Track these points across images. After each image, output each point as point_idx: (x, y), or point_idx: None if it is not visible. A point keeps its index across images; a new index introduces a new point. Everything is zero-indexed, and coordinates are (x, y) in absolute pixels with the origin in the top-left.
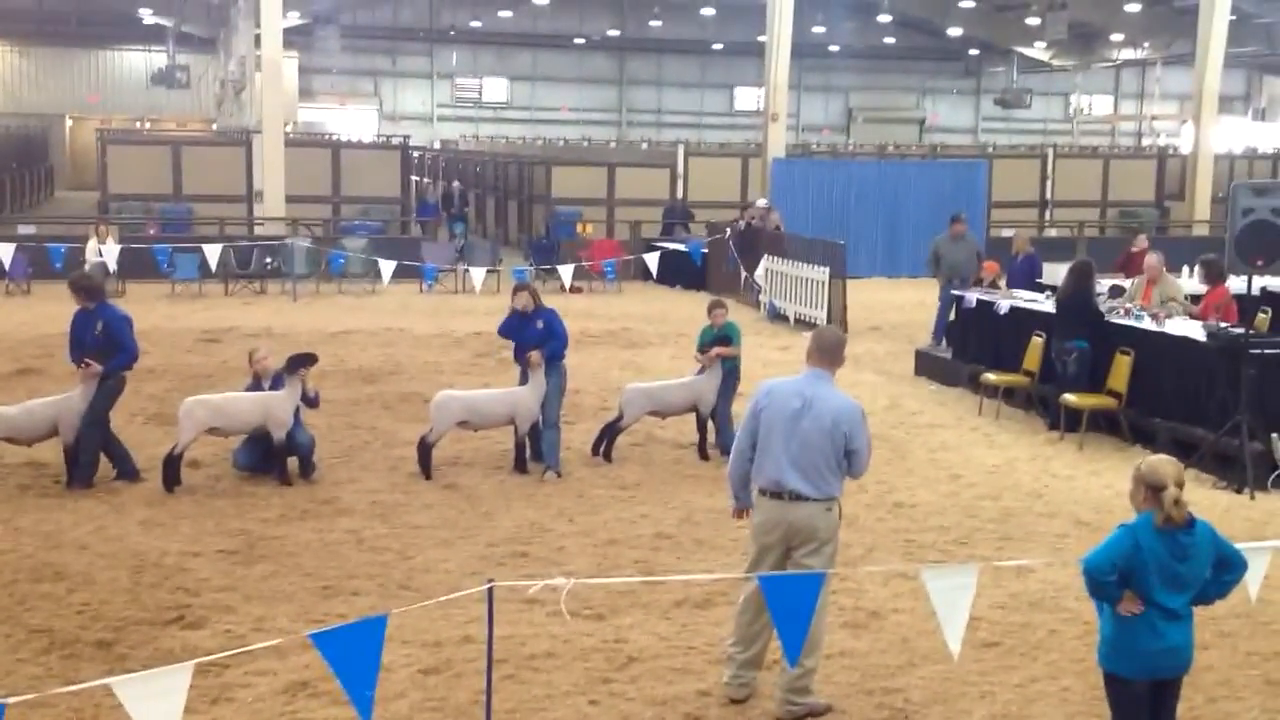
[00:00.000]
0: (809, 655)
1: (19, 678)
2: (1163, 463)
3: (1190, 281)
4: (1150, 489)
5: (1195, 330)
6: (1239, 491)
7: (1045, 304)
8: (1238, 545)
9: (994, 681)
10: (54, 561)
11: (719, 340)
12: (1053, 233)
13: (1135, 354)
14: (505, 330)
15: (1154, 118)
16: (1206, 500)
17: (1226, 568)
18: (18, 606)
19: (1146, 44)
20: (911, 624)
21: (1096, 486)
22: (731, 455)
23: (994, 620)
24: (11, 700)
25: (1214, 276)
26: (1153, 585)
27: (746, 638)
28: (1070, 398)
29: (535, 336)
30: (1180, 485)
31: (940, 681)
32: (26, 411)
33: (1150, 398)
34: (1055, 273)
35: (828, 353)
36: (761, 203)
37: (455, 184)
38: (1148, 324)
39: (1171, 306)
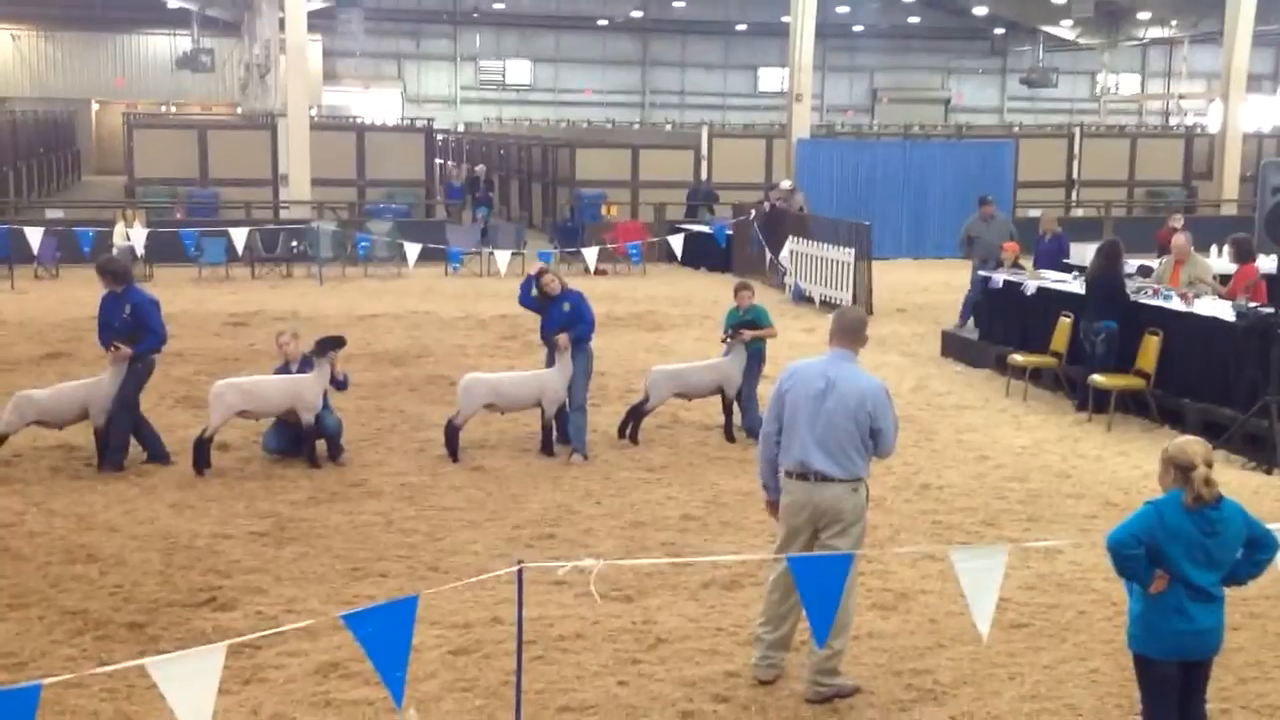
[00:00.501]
0: (837, 636)
1: (54, 659)
2: (1191, 443)
3: (1219, 261)
4: (1179, 469)
5: (1224, 310)
6: (1269, 472)
7: (1073, 284)
8: (1269, 526)
9: (1023, 663)
10: (86, 544)
11: (745, 323)
12: (1079, 213)
13: (1164, 334)
14: (525, 301)
15: (1181, 96)
16: (1235, 481)
17: (1259, 547)
18: (51, 588)
19: (1174, 22)
20: (940, 605)
21: (1125, 467)
22: (760, 440)
23: (1022, 601)
24: (47, 681)
25: (1243, 256)
26: (1180, 561)
27: (775, 618)
28: (1098, 378)
29: (562, 319)
30: (1209, 465)
31: (969, 663)
32: (57, 395)
33: (1179, 378)
34: (1083, 253)
35: (850, 333)
36: (786, 184)
37: (480, 168)
38: (1176, 304)
39: (1200, 287)
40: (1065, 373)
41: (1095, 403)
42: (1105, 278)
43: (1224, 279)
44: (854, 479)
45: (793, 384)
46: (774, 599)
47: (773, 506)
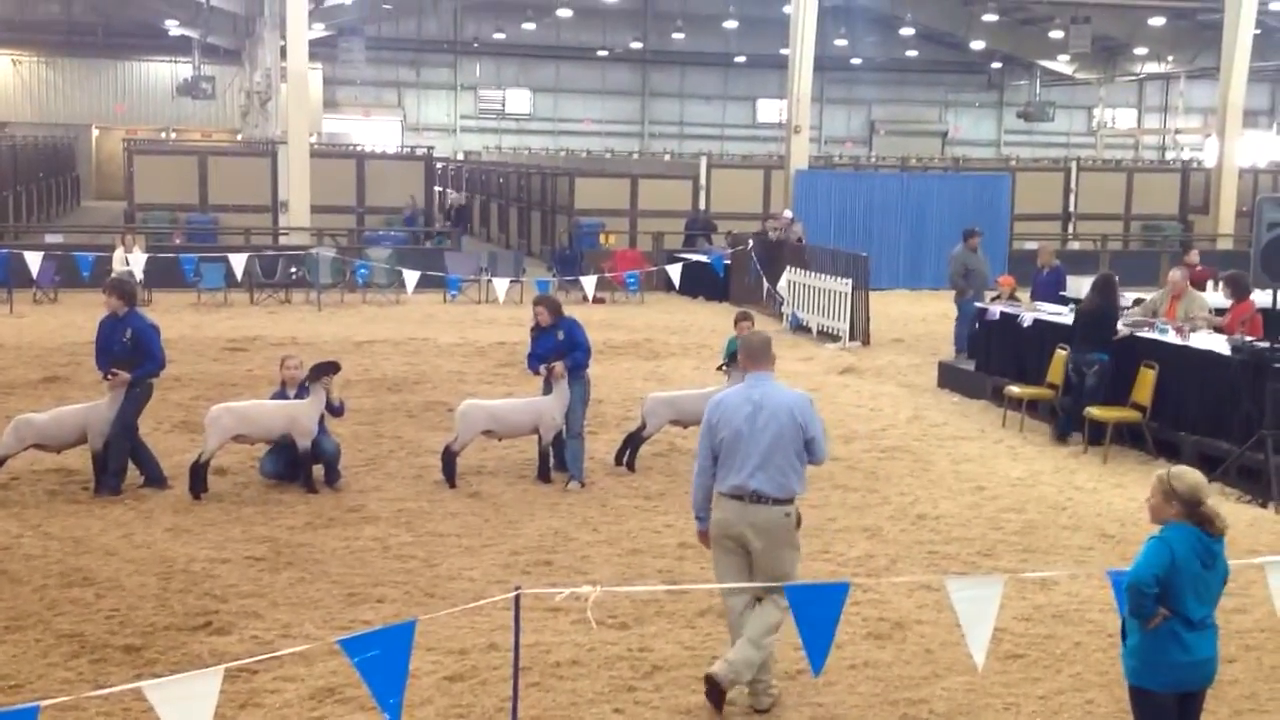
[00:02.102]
0: (765, 636)
1: (49, 681)
2: (1191, 474)
3: (1215, 296)
4: (1187, 504)
5: (1220, 344)
6: (1264, 506)
7: (1068, 317)
8: (1262, 559)
9: (1018, 694)
10: (83, 567)
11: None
12: (1076, 246)
13: (1160, 367)
14: (533, 365)
15: (1178, 131)
16: (1231, 514)
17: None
18: (48, 611)
19: (1170, 57)
20: (935, 635)
21: (1121, 499)
22: (695, 474)
23: (1018, 632)
24: (44, 703)
25: (1239, 292)
26: (1184, 594)
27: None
28: (1094, 410)
29: (555, 347)
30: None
31: (964, 693)
32: (55, 419)
33: (1175, 411)
34: (1079, 286)
35: (760, 354)
36: (787, 214)
37: (452, 194)
38: (1172, 337)
39: (1196, 321)
40: (1058, 403)
41: (1091, 435)
42: (1099, 311)
43: (1219, 313)
44: (788, 499)
45: (721, 414)
46: (734, 623)
47: (704, 536)
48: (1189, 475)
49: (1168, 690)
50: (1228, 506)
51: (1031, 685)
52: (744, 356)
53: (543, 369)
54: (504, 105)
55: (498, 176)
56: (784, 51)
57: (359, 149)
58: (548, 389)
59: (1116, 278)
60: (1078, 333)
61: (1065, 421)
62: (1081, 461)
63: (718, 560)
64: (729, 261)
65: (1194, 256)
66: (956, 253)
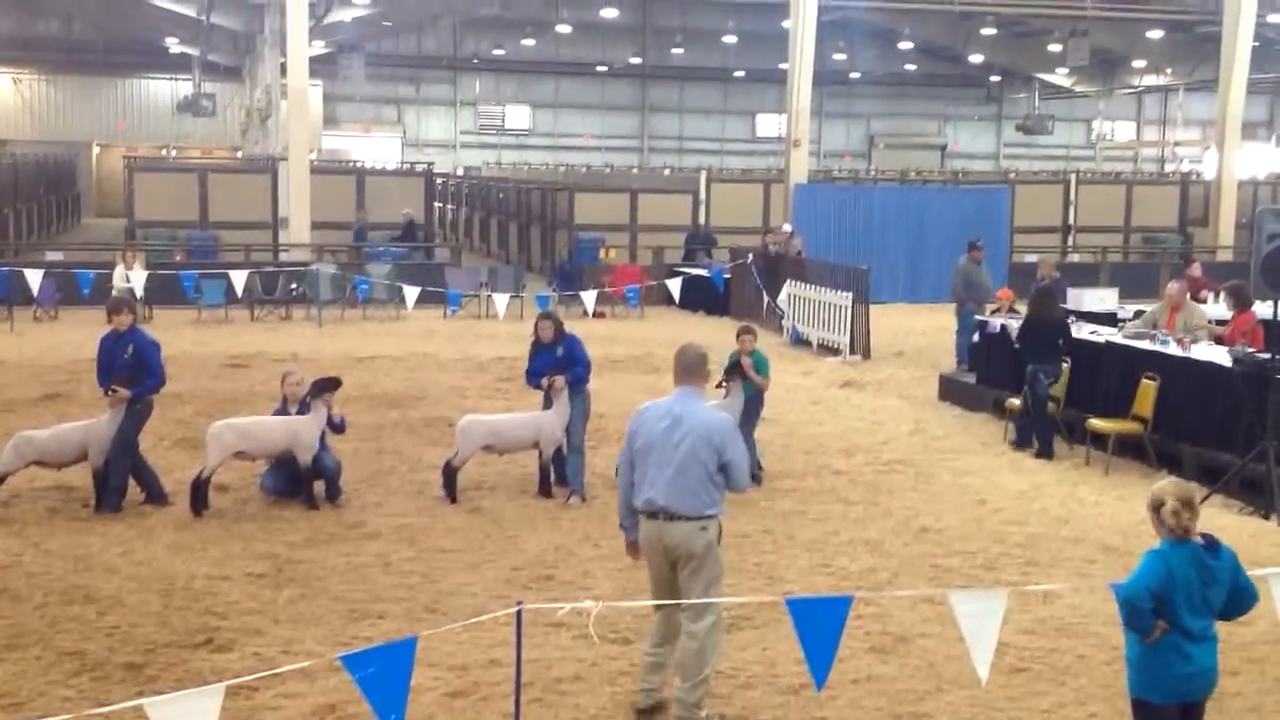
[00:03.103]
0: (699, 673)
1: (51, 699)
2: (1165, 484)
3: (1216, 307)
4: (1152, 510)
5: (1221, 355)
6: (1266, 517)
7: (1071, 329)
8: (1265, 571)
9: (1022, 707)
10: (84, 584)
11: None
12: (1076, 258)
13: (1161, 379)
14: (532, 380)
15: (1177, 144)
16: (1233, 526)
17: (1241, 596)
18: (49, 629)
19: (1169, 70)
20: (938, 649)
21: (1123, 512)
22: (619, 486)
23: (1021, 646)
24: None
25: (1241, 303)
26: (1180, 609)
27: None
28: (1097, 422)
29: (554, 364)
30: (1182, 500)
31: (968, 707)
32: (56, 435)
33: (1176, 423)
34: (1079, 298)
35: (692, 370)
36: (786, 228)
37: (407, 211)
38: (1174, 349)
39: (1197, 333)
40: (1063, 416)
41: (1093, 447)
42: (1056, 322)
43: (1219, 324)
44: (702, 517)
45: (640, 422)
46: (655, 634)
47: (632, 546)
48: (1158, 486)
49: (1170, 702)
50: (1229, 518)
51: (1035, 699)
52: (677, 369)
53: (543, 383)
54: (504, 121)
55: (497, 192)
56: (783, 66)
57: (359, 165)
58: (548, 404)
59: (1054, 288)
60: (1037, 346)
61: (1023, 433)
62: (1083, 474)
63: (653, 584)
64: (729, 275)
65: (1196, 269)
66: (960, 264)
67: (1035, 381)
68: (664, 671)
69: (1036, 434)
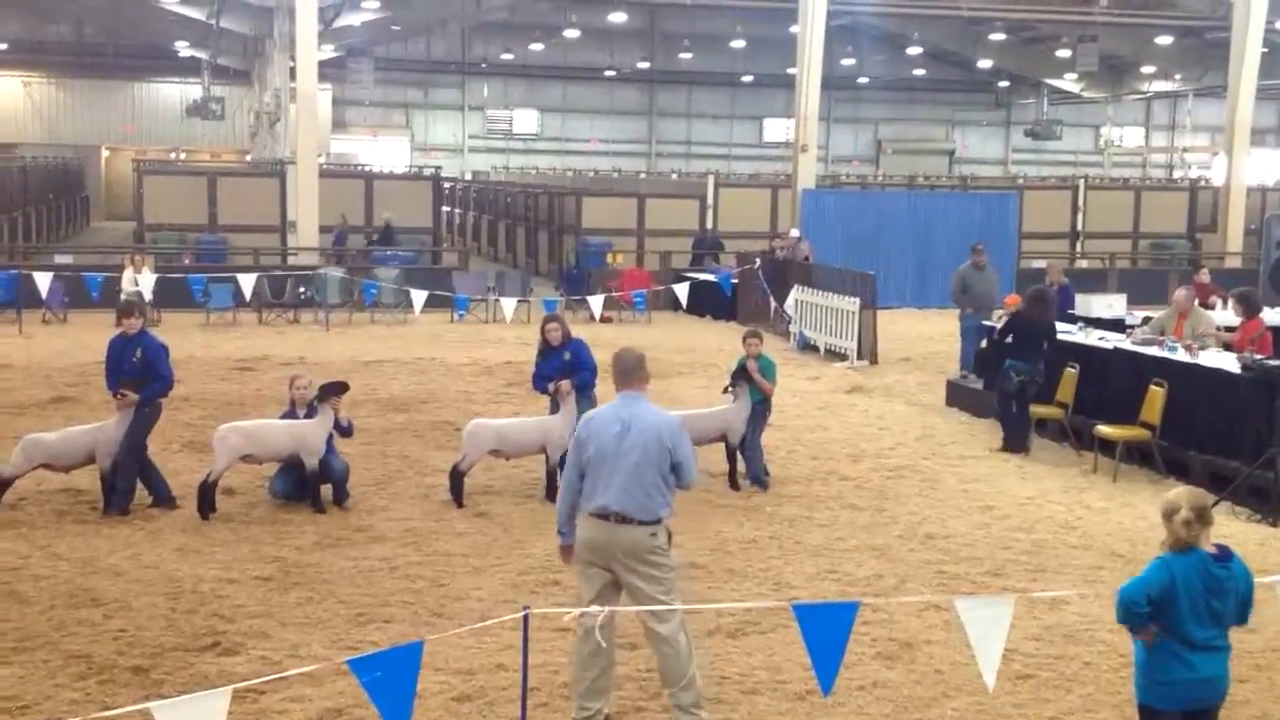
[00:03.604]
0: (688, 689)
1: (57, 702)
2: (1179, 492)
3: (1224, 314)
4: (1164, 516)
5: (1229, 362)
6: (1274, 525)
7: (1079, 335)
8: (1272, 579)
9: (1029, 714)
10: (91, 587)
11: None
12: (1084, 264)
13: (1169, 386)
14: (539, 385)
15: (1185, 150)
16: (1241, 533)
17: (1245, 609)
18: (55, 632)
19: (1178, 76)
20: (945, 655)
21: (1130, 518)
22: (560, 490)
23: (1028, 652)
24: None
25: (1250, 309)
26: (1184, 618)
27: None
28: (1104, 429)
29: (561, 368)
30: (1195, 510)
31: (974, 713)
32: (64, 438)
33: (1184, 430)
34: (1088, 304)
35: (631, 373)
36: (794, 233)
37: (386, 215)
38: (1182, 355)
39: (1205, 340)
40: (1071, 423)
41: (1101, 453)
42: (1042, 323)
43: (1228, 330)
44: (654, 521)
45: (590, 431)
46: (584, 652)
47: (566, 552)
48: (1172, 493)
49: (1172, 708)
50: (1237, 525)
51: (1042, 706)
52: (616, 374)
53: (550, 387)
54: (511, 125)
55: (505, 196)
56: (791, 71)
57: (367, 169)
58: (555, 408)
59: (1047, 291)
60: (1018, 344)
61: (1012, 425)
62: (1091, 481)
63: (581, 578)
64: (736, 280)
65: (1204, 275)
66: (959, 270)
67: (1005, 378)
68: (603, 694)
69: (1004, 429)
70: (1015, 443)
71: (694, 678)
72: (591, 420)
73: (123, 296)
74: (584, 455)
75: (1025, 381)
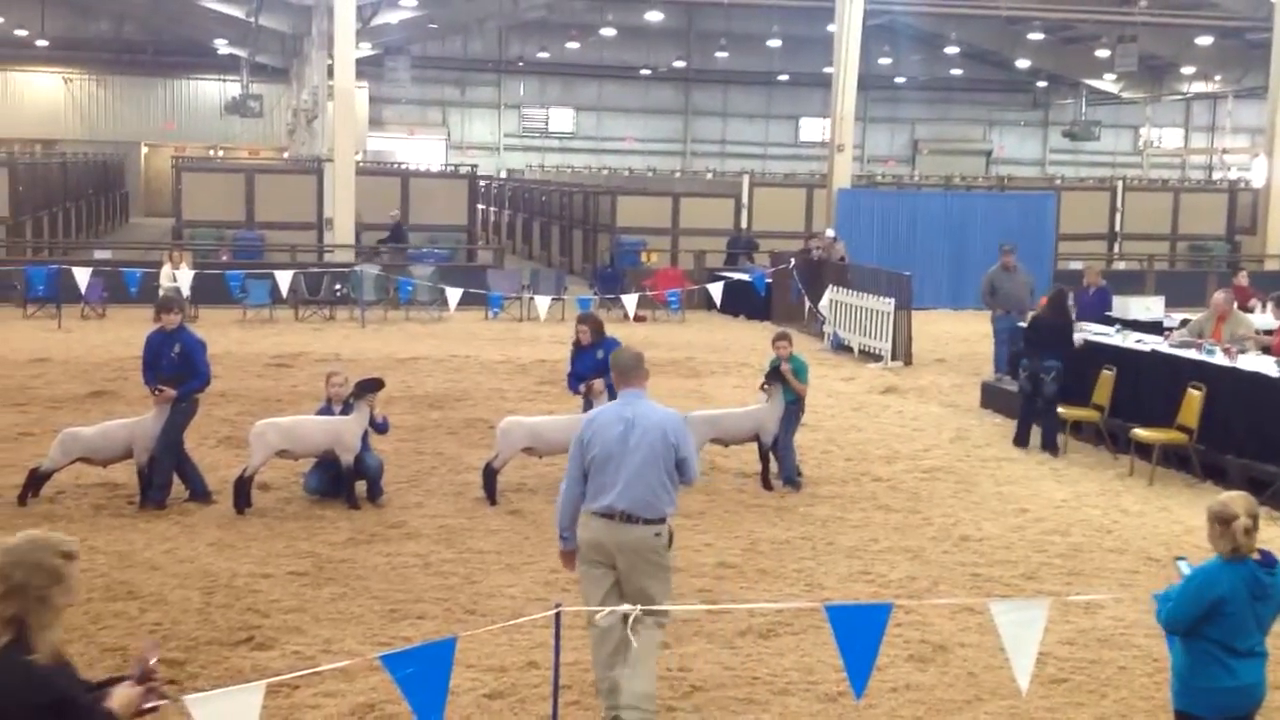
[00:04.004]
0: (647, 699)
1: None
2: (1234, 498)
3: (1263, 317)
4: (1221, 521)
5: (1269, 365)
6: None
7: (1116, 337)
8: None
9: (1062, 719)
10: (127, 581)
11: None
12: (1122, 266)
13: (1206, 389)
14: (574, 386)
15: (1225, 151)
16: None
17: None
18: (91, 625)
19: (1218, 77)
20: (978, 658)
21: (1166, 523)
22: (562, 491)
23: (1062, 656)
24: None
25: None
26: (1227, 626)
27: (607, 673)
28: (1141, 432)
29: (595, 367)
30: (1253, 517)
31: (1007, 717)
32: (102, 433)
33: (1221, 433)
34: (1125, 306)
35: (630, 372)
36: (830, 233)
37: (394, 213)
38: (1220, 359)
39: (1244, 343)
40: (1107, 425)
41: (1137, 454)
42: (1054, 321)
43: (1267, 334)
44: (659, 520)
45: (594, 432)
46: (603, 653)
47: (569, 557)
48: (1227, 497)
49: (1213, 715)
50: (1275, 530)
51: (1076, 710)
52: (615, 374)
53: (582, 387)
54: (547, 124)
55: (540, 195)
56: (827, 70)
57: (404, 167)
58: (588, 407)
59: (1069, 291)
60: (1034, 342)
61: (1028, 427)
62: (1127, 484)
63: (585, 579)
64: (770, 280)
65: (1243, 278)
66: (988, 271)
67: (1043, 375)
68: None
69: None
70: (1019, 438)
71: (650, 695)
72: (595, 420)
73: (160, 292)
74: (588, 455)
75: (1035, 376)
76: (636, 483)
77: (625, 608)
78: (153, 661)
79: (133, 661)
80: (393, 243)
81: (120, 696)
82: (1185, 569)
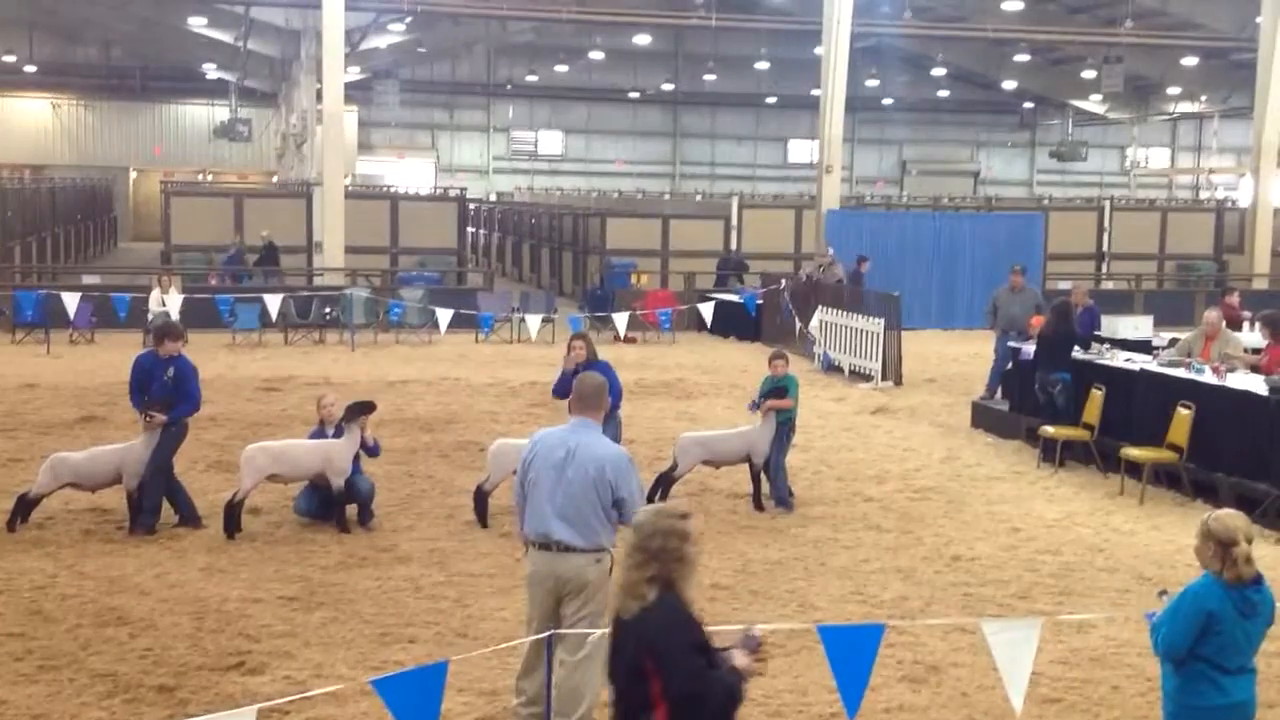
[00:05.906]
0: (575, 710)
1: None
2: (1233, 518)
3: (1252, 336)
4: (1221, 544)
5: (1257, 384)
6: None
7: (1105, 357)
8: None
9: None
10: (117, 606)
11: (775, 391)
12: (1110, 286)
13: (1196, 408)
14: (559, 391)
15: (1211, 171)
16: (1270, 556)
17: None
18: (82, 651)
19: (1204, 97)
20: (971, 678)
21: (1158, 541)
22: (514, 512)
23: (1055, 676)
24: None
25: (1276, 331)
26: (1217, 645)
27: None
28: (1131, 451)
29: None
30: (1249, 541)
31: None
32: (91, 458)
33: (1212, 452)
34: (1114, 326)
35: (588, 399)
36: (829, 252)
37: (265, 234)
38: (1209, 377)
39: (1233, 362)
40: (1097, 444)
41: (1128, 475)
42: (1060, 334)
43: (1255, 353)
44: (597, 549)
45: (535, 453)
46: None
47: None
48: (1227, 517)
49: None
50: (1266, 548)
51: None
52: (573, 398)
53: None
54: (536, 146)
55: (530, 217)
56: (815, 92)
57: (393, 190)
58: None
59: (1071, 303)
60: (1042, 355)
61: (1040, 440)
62: (1118, 503)
63: (530, 613)
64: (761, 301)
65: (1234, 297)
66: (996, 291)
67: (1050, 389)
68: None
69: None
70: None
71: (585, 717)
72: (538, 442)
73: (150, 317)
74: (528, 475)
75: (1046, 390)
76: (570, 513)
77: (552, 632)
78: (758, 636)
79: (741, 637)
80: (268, 264)
81: (739, 658)
82: (1168, 602)
